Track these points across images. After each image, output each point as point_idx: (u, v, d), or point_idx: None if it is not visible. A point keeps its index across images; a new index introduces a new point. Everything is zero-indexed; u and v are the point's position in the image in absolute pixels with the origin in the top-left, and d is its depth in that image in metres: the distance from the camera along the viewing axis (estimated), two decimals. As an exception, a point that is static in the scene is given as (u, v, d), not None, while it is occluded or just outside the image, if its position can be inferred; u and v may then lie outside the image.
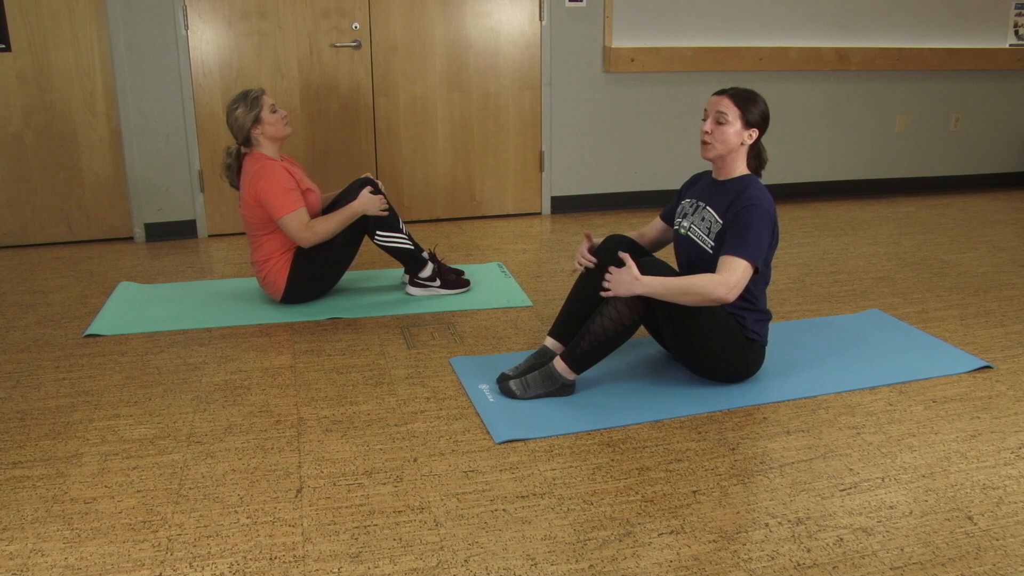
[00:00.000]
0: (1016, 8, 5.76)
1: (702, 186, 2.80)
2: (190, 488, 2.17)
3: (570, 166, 5.18)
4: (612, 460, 2.30)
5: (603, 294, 2.56)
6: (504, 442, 2.39)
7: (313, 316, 3.39)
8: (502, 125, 5.01)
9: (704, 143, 2.66)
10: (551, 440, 2.41)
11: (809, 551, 1.92)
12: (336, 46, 4.64)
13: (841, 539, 1.96)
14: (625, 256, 2.53)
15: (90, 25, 4.33)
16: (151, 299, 3.62)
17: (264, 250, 3.43)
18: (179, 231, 4.66)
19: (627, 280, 2.50)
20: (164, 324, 3.31)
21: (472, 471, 2.25)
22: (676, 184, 4.97)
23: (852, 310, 3.50)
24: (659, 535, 1.97)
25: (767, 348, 2.88)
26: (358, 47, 4.67)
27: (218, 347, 3.10)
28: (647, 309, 2.56)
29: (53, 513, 2.06)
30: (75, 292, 3.75)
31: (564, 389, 2.65)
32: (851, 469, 2.27)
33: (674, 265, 2.78)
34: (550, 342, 2.81)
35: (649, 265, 2.56)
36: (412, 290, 3.64)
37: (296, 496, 2.13)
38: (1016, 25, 5.79)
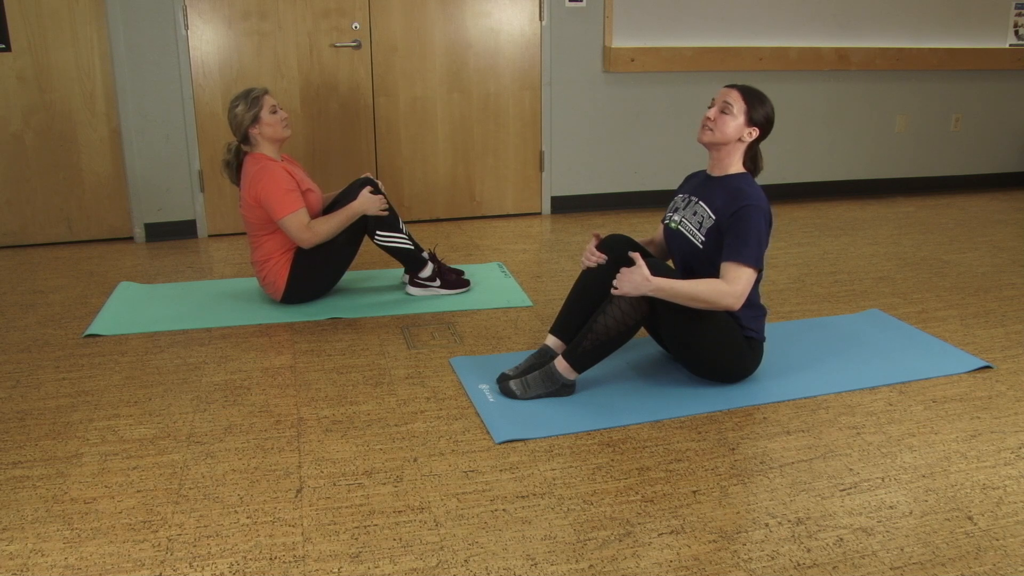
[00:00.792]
0: (1016, 8, 5.76)
1: (696, 182, 2.81)
2: (190, 488, 2.17)
3: (570, 166, 5.18)
4: (612, 460, 2.30)
5: (614, 292, 2.56)
6: (504, 442, 2.39)
7: (313, 316, 3.39)
8: (502, 125, 5.01)
9: (704, 126, 2.68)
10: (551, 440, 2.41)
11: (809, 551, 1.92)
12: (336, 46, 4.64)
13: (841, 539, 1.96)
14: (636, 256, 2.54)
15: (90, 25, 4.33)
16: (151, 299, 3.62)
17: (264, 250, 3.44)
18: (179, 231, 4.66)
19: (638, 280, 2.50)
20: (164, 324, 3.31)
21: (472, 471, 2.25)
22: (676, 184, 4.96)
23: (852, 310, 3.50)
24: (659, 535, 1.97)
25: (766, 346, 2.88)
26: (358, 47, 4.67)
27: (218, 347, 3.10)
28: (650, 309, 2.56)
29: (53, 513, 2.06)
30: (75, 292, 3.75)
31: (564, 389, 2.65)
32: (851, 469, 2.27)
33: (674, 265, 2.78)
34: (551, 340, 2.81)
35: (655, 267, 2.57)
36: (412, 290, 3.64)
37: (296, 496, 2.13)
38: (1016, 25, 5.78)
